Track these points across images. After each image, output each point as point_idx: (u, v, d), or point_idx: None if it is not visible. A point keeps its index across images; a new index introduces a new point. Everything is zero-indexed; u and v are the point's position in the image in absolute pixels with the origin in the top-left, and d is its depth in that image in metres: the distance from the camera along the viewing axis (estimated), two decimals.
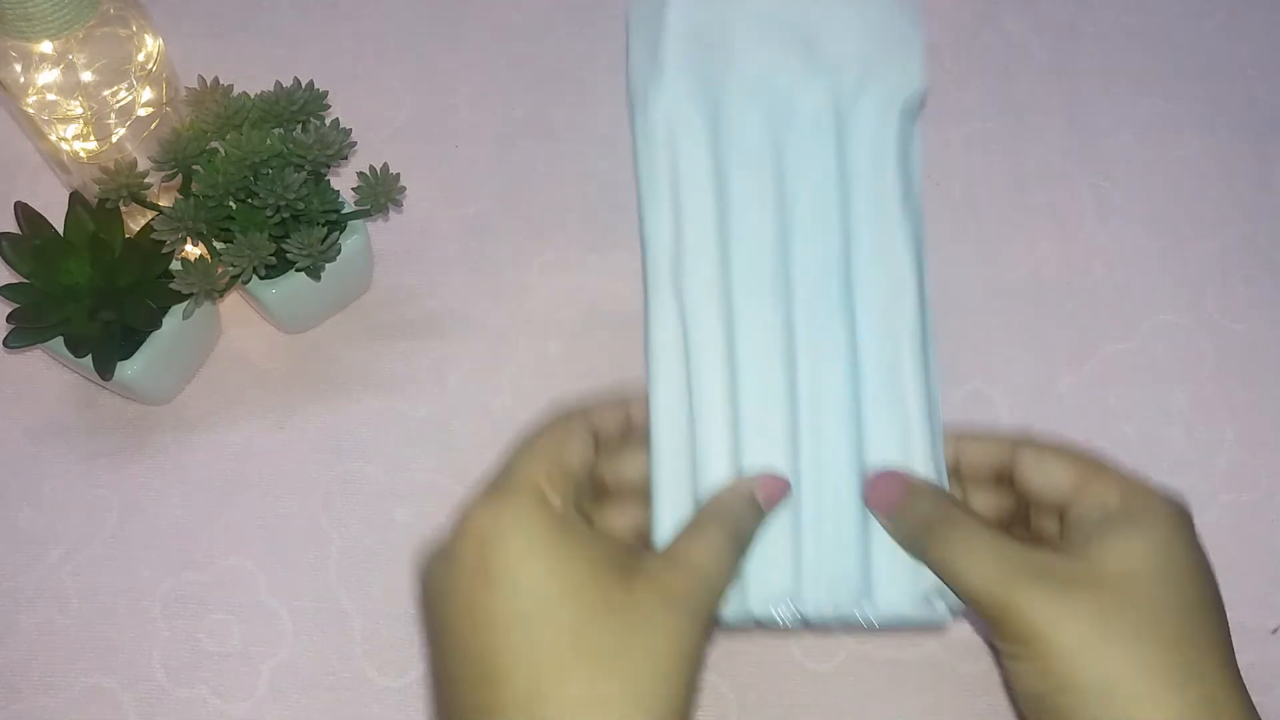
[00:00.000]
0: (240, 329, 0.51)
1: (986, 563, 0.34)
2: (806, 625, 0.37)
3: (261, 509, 0.47)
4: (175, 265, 0.44)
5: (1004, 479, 0.39)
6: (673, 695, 0.31)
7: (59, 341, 0.44)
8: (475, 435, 0.48)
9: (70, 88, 0.45)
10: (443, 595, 0.33)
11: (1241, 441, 0.49)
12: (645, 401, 0.39)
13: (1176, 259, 0.54)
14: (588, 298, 0.52)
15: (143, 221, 0.46)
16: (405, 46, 0.60)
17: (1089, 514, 0.35)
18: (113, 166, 0.43)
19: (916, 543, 0.36)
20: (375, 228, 0.53)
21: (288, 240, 0.44)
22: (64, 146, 0.47)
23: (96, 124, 0.47)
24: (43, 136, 0.47)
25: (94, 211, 0.44)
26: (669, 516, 0.37)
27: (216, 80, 0.45)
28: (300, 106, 0.44)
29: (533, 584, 0.32)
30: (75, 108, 0.46)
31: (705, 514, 0.36)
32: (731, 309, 0.39)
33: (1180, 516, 0.35)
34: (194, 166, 0.44)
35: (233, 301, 0.51)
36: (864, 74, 0.41)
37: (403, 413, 0.49)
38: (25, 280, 0.43)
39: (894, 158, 0.40)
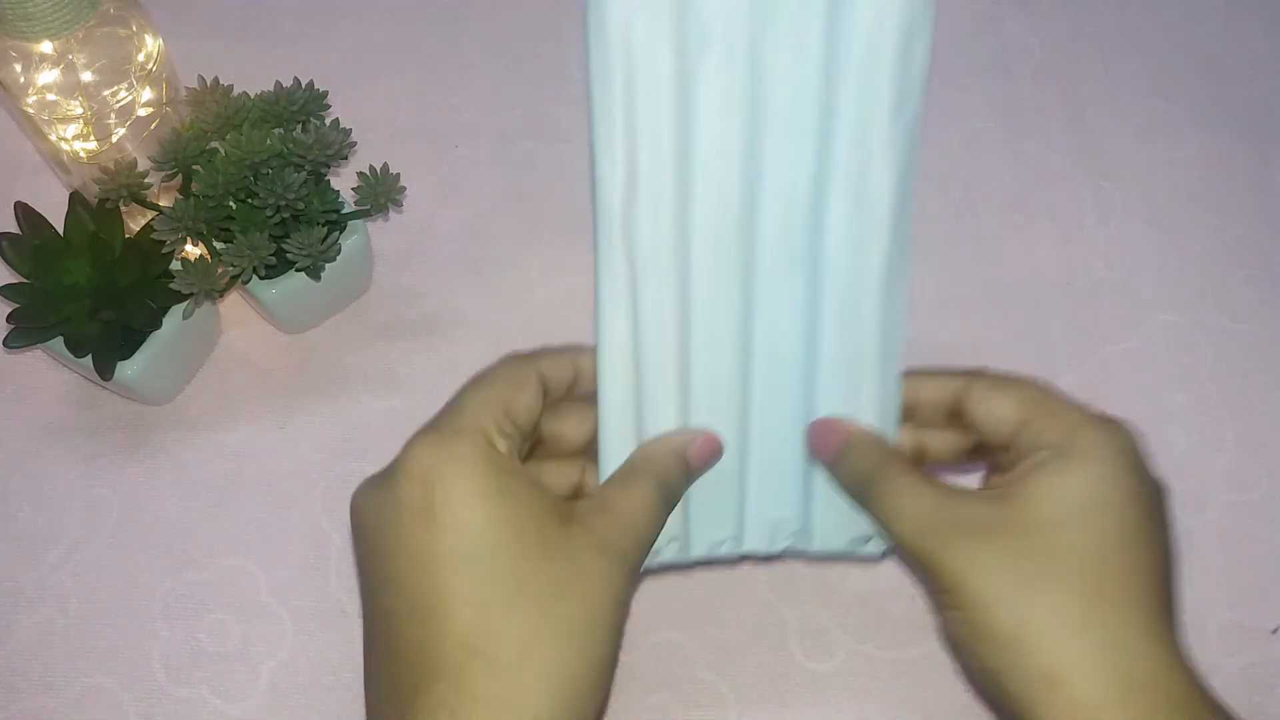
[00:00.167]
0: (240, 329, 0.51)
1: (919, 515, 0.34)
2: (743, 558, 0.38)
3: (261, 509, 0.47)
4: (175, 265, 0.44)
5: (958, 416, 0.38)
6: (604, 639, 0.32)
7: (59, 341, 0.44)
8: None
9: (70, 88, 0.45)
10: (381, 531, 0.33)
11: (1241, 441, 0.49)
12: (594, 355, 0.38)
13: (1176, 259, 0.54)
14: (588, 298, 0.52)
15: (143, 221, 0.46)
16: (405, 46, 0.60)
17: (1030, 453, 0.35)
18: (113, 166, 0.43)
19: (854, 492, 0.37)
20: (375, 228, 0.53)
21: (288, 240, 0.44)
22: (64, 146, 0.47)
23: (96, 124, 0.47)
24: (43, 136, 0.47)
25: (94, 211, 0.44)
26: (615, 469, 0.37)
27: (216, 80, 0.45)
28: (300, 106, 0.44)
29: (477, 525, 0.32)
30: (75, 108, 0.46)
31: (636, 464, 0.37)
32: (689, 256, 0.36)
33: (1119, 447, 0.34)
34: (194, 166, 0.44)
35: (233, 301, 0.51)
36: None
37: (403, 413, 0.49)
38: (25, 280, 0.43)
39: (892, 51, 0.34)
